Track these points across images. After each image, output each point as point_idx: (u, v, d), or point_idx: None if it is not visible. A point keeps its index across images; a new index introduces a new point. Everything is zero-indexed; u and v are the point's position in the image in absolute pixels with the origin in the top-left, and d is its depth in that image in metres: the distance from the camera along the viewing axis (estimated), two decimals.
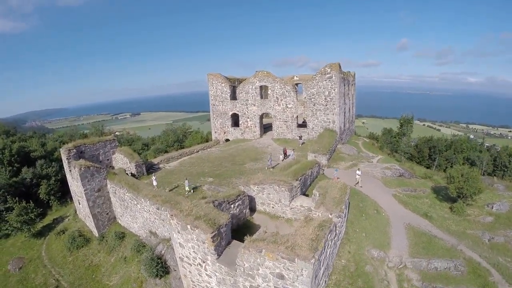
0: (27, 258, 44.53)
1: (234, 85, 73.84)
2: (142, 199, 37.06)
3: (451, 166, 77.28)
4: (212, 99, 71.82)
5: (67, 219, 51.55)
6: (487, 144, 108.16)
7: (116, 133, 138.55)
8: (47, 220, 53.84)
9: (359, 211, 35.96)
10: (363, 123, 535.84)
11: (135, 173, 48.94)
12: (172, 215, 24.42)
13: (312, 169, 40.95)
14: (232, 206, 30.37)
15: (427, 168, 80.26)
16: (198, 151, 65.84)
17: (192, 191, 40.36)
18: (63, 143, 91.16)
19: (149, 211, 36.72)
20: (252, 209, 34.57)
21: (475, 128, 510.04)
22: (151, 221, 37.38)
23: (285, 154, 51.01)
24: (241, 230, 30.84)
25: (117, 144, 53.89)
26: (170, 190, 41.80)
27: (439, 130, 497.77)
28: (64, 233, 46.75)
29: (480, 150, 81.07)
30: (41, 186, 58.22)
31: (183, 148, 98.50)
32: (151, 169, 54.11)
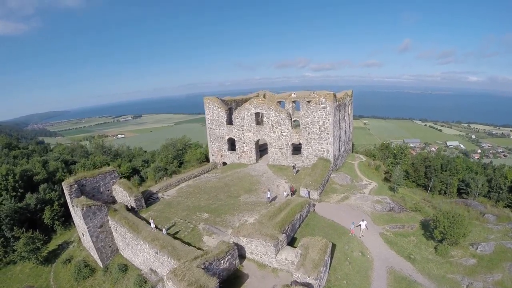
0: (37, 287, 46.29)
1: (231, 106, 74.92)
2: (142, 241, 39.22)
3: (446, 188, 78.44)
4: (209, 123, 72.90)
5: (72, 246, 53.63)
6: (485, 161, 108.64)
7: (116, 146, 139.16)
8: (52, 245, 55.67)
9: (344, 255, 37.29)
10: (365, 123, 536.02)
11: (135, 207, 50.44)
12: (167, 278, 27.45)
13: (302, 211, 42.31)
14: (222, 262, 32.32)
15: (423, 187, 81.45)
16: (196, 177, 67.12)
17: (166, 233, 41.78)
18: (65, 163, 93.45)
19: (149, 253, 39.02)
20: (242, 256, 36.28)
21: (476, 128, 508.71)
22: (151, 261, 39.61)
23: (292, 191, 52.01)
24: (231, 280, 33.19)
25: (117, 175, 55.27)
26: (168, 229, 43.48)
27: (440, 130, 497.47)
28: (70, 262, 48.55)
29: (476, 171, 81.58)
30: (45, 212, 59.83)
31: (182, 163, 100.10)
32: (150, 198, 55.89)
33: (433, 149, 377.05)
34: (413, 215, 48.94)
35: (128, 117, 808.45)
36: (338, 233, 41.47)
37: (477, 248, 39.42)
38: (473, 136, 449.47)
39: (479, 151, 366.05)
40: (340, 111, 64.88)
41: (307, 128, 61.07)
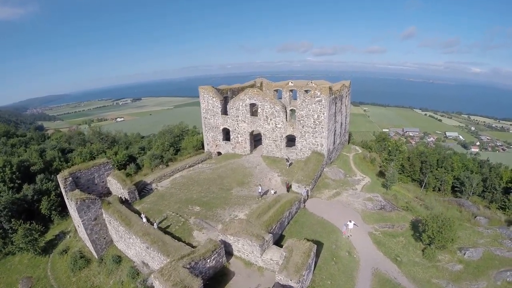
0: (34, 278, 47.25)
1: (226, 95, 74.06)
2: (134, 236, 39.75)
3: (440, 185, 78.19)
4: (203, 112, 72.16)
5: (68, 236, 54.43)
6: (481, 159, 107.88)
7: (114, 132, 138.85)
8: (50, 235, 56.54)
9: (331, 254, 37.33)
10: (365, 110, 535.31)
11: (128, 199, 50.64)
12: (155, 277, 28.45)
13: (291, 208, 42.19)
14: (208, 260, 32.52)
15: (418, 182, 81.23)
16: (190, 167, 67.09)
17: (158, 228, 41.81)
18: (62, 151, 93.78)
19: (140, 247, 39.65)
20: (230, 253, 36.46)
21: (476, 120, 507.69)
22: (143, 255, 40.15)
23: (287, 188, 51.31)
24: (217, 277, 33.53)
25: (111, 166, 55.50)
26: (159, 223, 43.85)
27: (440, 120, 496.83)
28: (66, 252, 49.56)
29: (472, 169, 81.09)
30: (42, 202, 60.32)
31: (179, 150, 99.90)
32: (144, 189, 56.23)
33: (432, 139, 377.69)
34: (404, 214, 48.75)
35: (127, 100, 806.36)
36: (326, 231, 41.39)
37: (464, 254, 39.31)
38: (473, 128, 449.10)
39: (478, 143, 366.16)
40: (336, 103, 64.07)
41: (301, 121, 60.38)
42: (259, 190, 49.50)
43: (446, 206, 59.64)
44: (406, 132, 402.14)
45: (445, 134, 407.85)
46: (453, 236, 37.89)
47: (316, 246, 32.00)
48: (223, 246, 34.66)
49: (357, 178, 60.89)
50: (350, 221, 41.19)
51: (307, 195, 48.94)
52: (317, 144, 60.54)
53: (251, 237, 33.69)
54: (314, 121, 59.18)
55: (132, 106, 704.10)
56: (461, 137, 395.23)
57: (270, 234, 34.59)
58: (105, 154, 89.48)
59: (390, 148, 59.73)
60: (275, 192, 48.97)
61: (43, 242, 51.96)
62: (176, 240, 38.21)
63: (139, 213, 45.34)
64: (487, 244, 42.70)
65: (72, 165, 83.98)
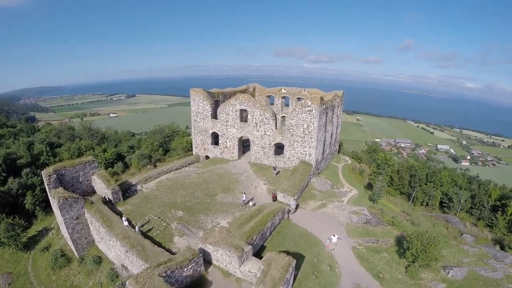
0: (15, 274, 46.57)
1: (218, 99, 73.29)
2: (114, 238, 39.14)
3: (428, 200, 77.87)
4: (193, 115, 71.24)
5: (51, 233, 53.53)
6: (471, 175, 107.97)
7: (104, 128, 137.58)
8: (33, 231, 55.83)
9: (312, 268, 36.57)
10: (358, 120, 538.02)
11: (112, 199, 49.89)
12: (129, 284, 27.74)
13: (274, 219, 41.38)
14: (185, 269, 31.74)
15: (406, 195, 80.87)
16: (177, 169, 66.26)
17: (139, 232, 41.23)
18: (50, 145, 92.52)
19: (120, 250, 39.00)
20: (209, 262, 35.70)
21: (468, 134, 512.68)
22: (122, 258, 39.48)
23: (273, 198, 50.33)
24: (194, 287, 32.81)
25: (96, 165, 54.69)
26: (141, 226, 43.19)
27: (432, 133, 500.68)
28: (48, 250, 48.73)
29: (461, 186, 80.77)
30: (26, 197, 59.52)
31: (168, 151, 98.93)
32: (129, 190, 55.49)
33: (423, 151, 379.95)
34: (389, 229, 48.21)
35: (121, 96, 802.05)
36: (309, 244, 40.67)
37: (448, 273, 38.83)
38: (464, 142, 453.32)
39: (469, 157, 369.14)
40: (327, 114, 63.47)
41: (291, 130, 59.70)
42: (243, 198, 48.74)
43: (433, 222, 59.32)
44: (398, 143, 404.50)
45: (437, 147, 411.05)
46: (437, 255, 37.38)
47: (295, 260, 31.21)
48: (202, 255, 33.85)
49: (344, 190, 60.26)
50: (334, 235, 40.59)
51: (296, 208, 47.83)
52: (306, 154, 59.90)
53: (230, 248, 32.93)
54: (303, 131, 58.54)
55: (126, 103, 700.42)
56: (452, 150, 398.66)
57: (250, 246, 33.79)
58: (94, 151, 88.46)
59: (379, 162, 59.16)
60: (253, 204, 48.10)
61: (25, 237, 51.24)
62: (155, 246, 37.56)
63: (121, 215, 44.69)
64: (472, 263, 42.40)
65: (60, 160, 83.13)
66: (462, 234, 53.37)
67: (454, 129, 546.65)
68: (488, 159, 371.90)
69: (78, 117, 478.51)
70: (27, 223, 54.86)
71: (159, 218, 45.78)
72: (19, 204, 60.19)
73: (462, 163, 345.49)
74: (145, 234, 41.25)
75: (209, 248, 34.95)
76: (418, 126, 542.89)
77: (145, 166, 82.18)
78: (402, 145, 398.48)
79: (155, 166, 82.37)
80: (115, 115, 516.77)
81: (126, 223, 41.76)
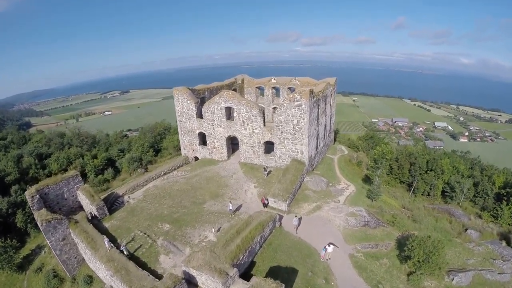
0: None
1: (204, 96, 69.46)
2: (99, 261, 37.72)
3: (430, 190, 74.60)
4: (178, 115, 67.42)
5: (43, 251, 52.01)
6: (472, 157, 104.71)
7: (95, 131, 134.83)
8: (27, 249, 55.13)
9: (305, 282, 33.72)
10: (354, 100, 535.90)
11: (97, 216, 47.93)
12: None
13: (264, 231, 38.09)
14: None
15: (407, 184, 77.56)
16: (165, 174, 63.33)
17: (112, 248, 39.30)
18: (39, 156, 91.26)
19: (105, 273, 37.31)
20: (195, 284, 32.84)
21: (465, 110, 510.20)
22: (109, 280, 37.58)
23: (264, 204, 47.22)
24: None
25: (80, 179, 52.56)
26: (126, 244, 41.29)
27: (429, 110, 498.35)
28: (41, 270, 47.52)
29: (463, 173, 77.28)
30: (17, 215, 58.63)
31: (160, 151, 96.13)
32: (115, 202, 53.41)
33: (421, 129, 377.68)
34: (390, 230, 44.90)
35: (115, 93, 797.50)
36: (302, 255, 37.58)
37: (453, 279, 35.83)
38: (462, 118, 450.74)
39: (467, 133, 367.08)
40: (319, 106, 59.63)
41: (280, 127, 55.84)
42: (230, 208, 45.44)
43: (435, 216, 56.21)
44: (395, 122, 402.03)
45: (434, 124, 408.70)
46: (442, 264, 34.18)
47: (284, 285, 27.75)
48: (185, 281, 30.71)
49: (341, 187, 56.66)
50: (330, 245, 37.36)
51: (298, 224, 42.66)
52: (297, 152, 56.29)
53: (213, 273, 29.68)
54: (293, 127, 54.69)
55: (120, 99, 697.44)
56: (450, 127, 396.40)
57: (235, 269, 30.41)
58: (83, 159, 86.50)
59: (375, 156, 55.62)
60: (232, 211, 45.84)
61: (19, 258, 50.54)
62: (140, 268, 35.36)
63: (107, 232, 43.48)
64: (478, 265, 39.49)
65: (49, 172, 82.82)
66: (466, 230, 50.30)
67: (451, 105, 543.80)
68: (486, 134, 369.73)
69: (73, 118, 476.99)
70: (19, 243, 53.87)
71: (145, 234, 43.59)
72: (11, 223, 59.11)
73: (460, 140, 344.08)
74: (130, 253, 39.67)
75: (193, 272, 31.99)
76: (414, 104, 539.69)
77: (136, 170, 79.73)
78: (400, 124, 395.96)
79: (146, 169, 79.75)
80: (110, 112, 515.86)
81: (107, 244, 39.35)
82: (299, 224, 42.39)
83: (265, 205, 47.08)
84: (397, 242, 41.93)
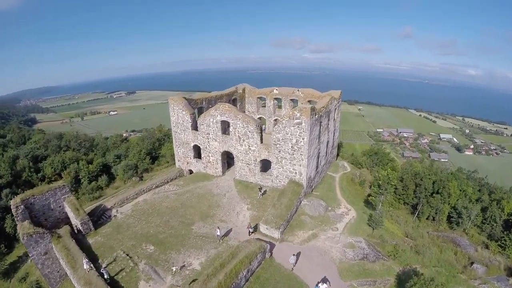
0: None
1: (201, 106, 66.58)
2: (77, 283, 36.68)
3: (435, 214, 70.88)
4: (173, 126, 64.55)
5: (30, 260, 49.57)
6: (480, 176, 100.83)
7: (92, 134, 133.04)
8: (14, 256, 54.97)
9: None
10: (359, 109, 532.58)
11: (82, 230, 46.27)
12: None
13: (251, 265, 34.78)
14: None
15: (412, 206, 73.85)
16: (157, 187, 60.57)
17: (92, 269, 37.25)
18: (35, 159, 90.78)
19: None
20: None
21: (471, 122, 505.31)
22: None
23: (248, 232, 44.19)
24: None
25: (68, 190, 50.53)
26: (106, 266, 39.19)
27: (434, 121, 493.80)
28: (25, 280, 46.55)
29: (470, 198, 73.43)
30: (6, 220, 58.58)
31: (157, 158, 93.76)
32: (103, 216, 51.54)
33: (426, 140, 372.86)
34: (390, 264, 41.38)
35: (121, 93, 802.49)
36: None
37: None
38: (467, 131, 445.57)
39: (472, 146, 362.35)
40: (321, 123, 56.21)
41: (278, 145, 52.50)
42: (218, 233, 42.35)
43: (440, 246, 52.73)
44: (400, 132, 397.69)
45: (439, 136, 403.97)
46: None
47: None
48: None
49: (341, 212, 52.95)
50: (323, 283, 33.97)
51: (295, 262, 38.70)
52: (295, 173, 52.95)
53: None
54: (292, 146, 51.34)
55: (126, 100, 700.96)
56: (455, 139, 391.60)
57: None
58: (78, 164, 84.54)
59: (380, 182, 52.16)
60: (220, 238, 43.20)
61: (5, 265, 50.92)
62: None
63: (89, 251, 42.10)
64: None
65: (43, 176, 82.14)
66: (472, 264, 46.90)
67: (457, 117, 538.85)
68: (492, 148, 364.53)
69: (78, 117, 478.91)
70: (6, 249, 54.63)
71: (128, 255, 41.27)
72: (1, 228, 59.00)
73: (466, 153, 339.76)
74: (110, 276, 37.32)
75: None
76: (420, 115, 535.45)
77: (130, 178, 77.50)
78: (405, 134, 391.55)
79: (141, 178, 77.51)
80: (115, 112, 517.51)
81: (86, 266, 37.02)
82: (296, 262, 38.67)
83: (250, 233, 44.05)
84: (397, 279, 38.59)
